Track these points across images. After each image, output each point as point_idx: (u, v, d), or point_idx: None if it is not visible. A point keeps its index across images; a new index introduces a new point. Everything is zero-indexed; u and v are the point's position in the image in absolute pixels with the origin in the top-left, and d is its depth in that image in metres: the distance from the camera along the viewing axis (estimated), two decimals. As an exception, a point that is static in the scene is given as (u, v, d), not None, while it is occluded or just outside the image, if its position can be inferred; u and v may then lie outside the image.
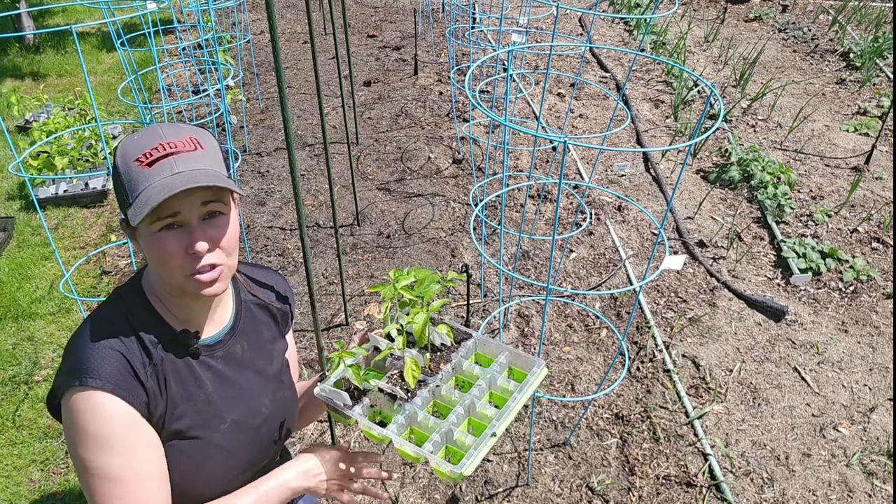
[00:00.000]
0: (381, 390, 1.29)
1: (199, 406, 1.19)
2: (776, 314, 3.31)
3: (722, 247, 3.86)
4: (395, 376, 1.33)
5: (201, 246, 1.08)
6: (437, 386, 1.33)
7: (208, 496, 1.22)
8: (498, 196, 4.01)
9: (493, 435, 1.23)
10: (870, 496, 2.49)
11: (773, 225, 3.98)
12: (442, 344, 1.40)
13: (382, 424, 1.28)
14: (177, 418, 1.15)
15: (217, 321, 1.26)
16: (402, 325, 1.31)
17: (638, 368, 3.04)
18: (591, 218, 4.07)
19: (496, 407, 1.34)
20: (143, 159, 1.05)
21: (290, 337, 1.46)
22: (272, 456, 1.36)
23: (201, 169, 1.07)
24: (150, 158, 1.05)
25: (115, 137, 5.04)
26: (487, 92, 5.69)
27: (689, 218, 4.12)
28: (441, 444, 1.26)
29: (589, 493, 2.50)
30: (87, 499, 1.07)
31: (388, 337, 1.35)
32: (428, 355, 1.36)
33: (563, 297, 3.47)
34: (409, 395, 1.28)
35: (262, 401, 1.30)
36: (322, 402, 1.44)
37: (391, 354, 1.34)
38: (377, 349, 1.36)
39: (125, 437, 1.05)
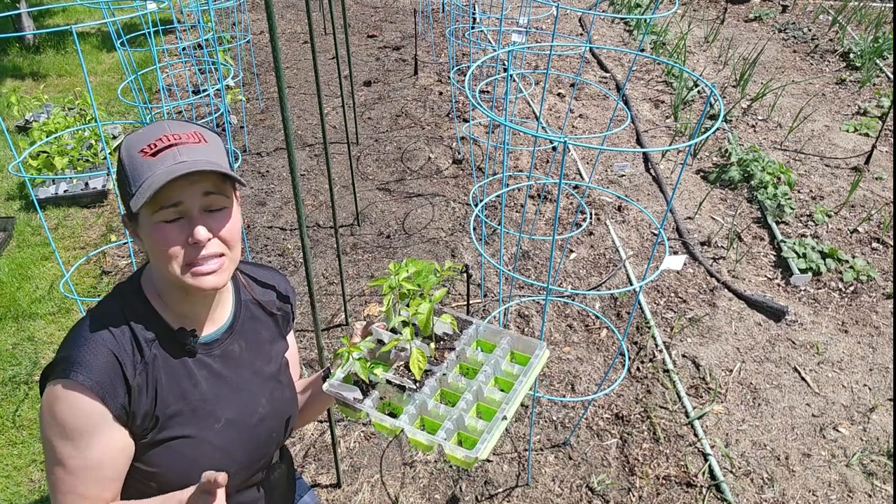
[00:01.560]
0: (389, 382, 1.29)
1: (193, 404, 1.19)
2: (776, 314, 3.31)
3: (722, 247, 3.86)
4: (401, 367, 1.34)
5: (201, 231, 1.08)
6: (444, 374, 1.34)
7: None
8: (498, 196, 4.01)
9: (505, 418, 1.25)
10: (870, 496, 2.49)
11: (773, 225, 3.98)
12: (444, 333, 1.41)
13: (392, 415, 1.29)
14: (169, 416, 1.16)
15: (216, 320, 1.26)
16: (406, 317, 1.32)
17: (638, 368, 3.04)
18: (591, 218, 4.07)
19: (503, 391, 1.35)
20: (147, 150, 1.07)
21: (291, 337, 1.45)
22: (270, 455, 1.36)
23: (204, 159, 1.09)
24: (155, 149, 1.07)
25: (115, 137, 5.04)
26: (487, 92, 5.70)
27: (689, 218, 4.12)
28: (453, 430, 1.27)
29: (589, 493, 2.50)
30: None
31: (393, 330, 1.35)
32: (432, 345, 1.36)
33: (563, 297, 3.47)
34: (418, 385, 1.29)
35: (259, 400, 1.30)
36: (324, 399, 1.44)
37: (396, 346, 1.35)
38: (381, 342, 1.37)
39: (88, 433, 1.08)
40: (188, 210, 1.08)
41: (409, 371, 1.30)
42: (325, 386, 1.30)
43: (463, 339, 1.41)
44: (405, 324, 1.32)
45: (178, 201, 1.07)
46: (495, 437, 1.22)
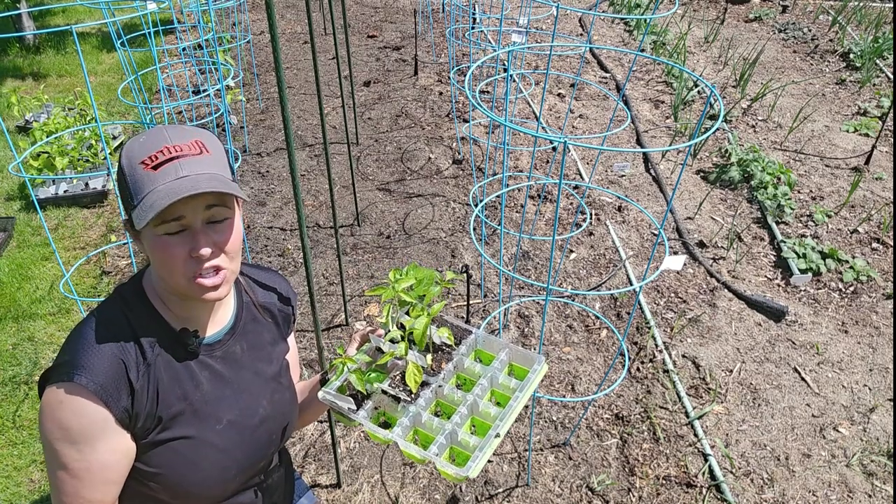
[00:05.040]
0: (385, 392, 1.29)
1: (195, 405, 1.19)
2: (776, 314, 3.31)
3: (722, 247, 3.86)
4: (397, 377, 1.33)
5: (205, 251, 1.09)
6: (440, 386, 1.34)
7: (205, 496, 1.22)
8: (498, 196, 4.01)
9: (497, 436, 1.24)
10: (870, 496, 2.49)
11: (773, 225, 3.98)
12: (442, 342, 1.41)
13: (387, 425, 1.29)
14: (171, 417, 1.16)
15: (217, 321, 1.26)
16: (403, 328, 1.31)
17: (638, 369, 3.04)
18: (591, 218, 4.07)
19: (498, 405, 1.34)
20: (148, 162, 1.06)
21: (291, 339, 1.46)
22: (270, 457, 1.36)
23: (206, 173, 1.08)
24: (156, 161, 1.06)
25: (115, 138, 5.04)
26: (487, 92, 5.70)
27: (689, 218, 4.12)
28: (446, 445, 1.26)
29: (589, 493, 2.50)
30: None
31: (391, 340, 1.35)
32: (430, 356, 1.36)
33: (563, 297, 3.47)
34: (413, 396, 1.29)
35: (260, 402, 1.30)
36: (321, 405, 1.44)
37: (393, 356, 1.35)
38: (379, 349, 1.37)
39: (90, 436, 1.08)
40: (190, 223, 1.09)
41: (405, 383, 1.30)
42: (321, 394, 1.30)
43: (461, 349, 1.40)
44: (403, 337, 1.32)
45: (181, 215, 1.07)
46: (487, 455, 1.21)
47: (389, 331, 1.33)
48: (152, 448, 1.16)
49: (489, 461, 2.62)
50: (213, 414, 1.21)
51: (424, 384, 1.32)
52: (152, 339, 1.16)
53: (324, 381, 1.40)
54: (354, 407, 1.28)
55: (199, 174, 1.07)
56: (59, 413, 1.07)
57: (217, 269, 1.12)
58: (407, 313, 1.34)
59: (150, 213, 1.02)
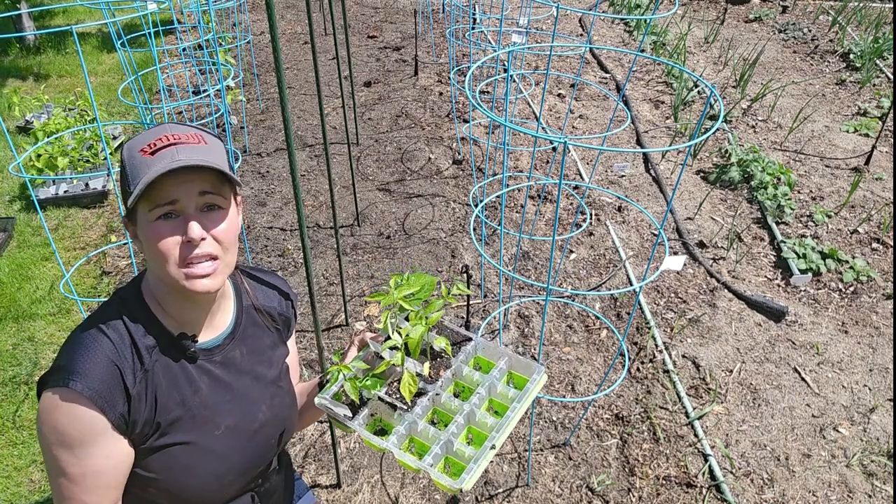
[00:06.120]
0: (381, 399, 1.29)
1: (193, 411, 1.18)
2: (776, 315, 3.31)
3: (722, 247, 3.86)
4: (395, 384, 1.33)
5: (195, 228, 1.08)
6: (437, 394, 1.33)
7: (203, 501, 1.22)
8: (498, 196, 4.01)
9: (493, 448, 1.23)
10: (870, 497, 2.49)
11: (773, 225, 3.98)
12: (441, 349, 1.40)
13: (383, 431, 1.28)
14: (169, 423, 1.15)
15: (217, 325, 1.25)
16: (399, 340, 1.30)
17: (638, 369, 3.05)
18: (591, 218, 4.07)
19: (496, 413, 1.33)
20: (146, 149, 1.08)
21: (291, 341, 1.45)
22: (268, 461, 1.36)
23: (202, 158, 1.09)
24: (154, 148, 1.08)
25: (115, 138, 5.04)
26: (487, 92, 5.70)
27: (689, 218, 4.12)
28: (441, 455, 1.25)
29: (589, 493, 2.50)
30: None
31: (391, 347, 1.35)
32: (427, 364, 1.35)
33: (563, 297, 3.47)
34: (410, 404, 1.28)
35: (260, 406, 1.30)
36: (318, 410, 1.43)
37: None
38: (378, 355, 1.36)
39: (86, 441, 1.08)
40: (184, 208, 1.08)
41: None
42: (317, 400, 1.29)
43: (460, 356, 1.39)
44: (400, 347, 1.31)
45: (174, 199, 1.07)
46: (482, 467, 1.20)
47: (389, 336, 1.32)
48: (151, 454, 1.15)
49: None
50: (212, 419, 1.21)
51: (421, 392, 1.31)
52: (150, 343, 1.15)
53: (322, 385, 1.40)
54: (350, 414, 1.27)
55: (194, 158, 1.08)
56: (54, 418, 1.07)
57: (210, 258, 1.11)
58: (406, 318, 1.34)
59: (142, 186, 1.03)
